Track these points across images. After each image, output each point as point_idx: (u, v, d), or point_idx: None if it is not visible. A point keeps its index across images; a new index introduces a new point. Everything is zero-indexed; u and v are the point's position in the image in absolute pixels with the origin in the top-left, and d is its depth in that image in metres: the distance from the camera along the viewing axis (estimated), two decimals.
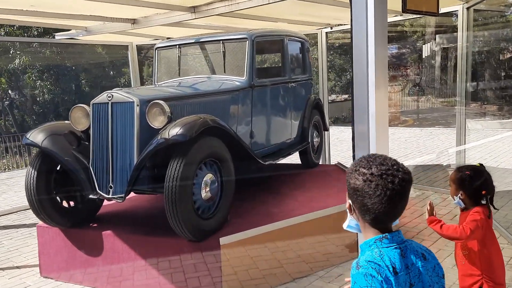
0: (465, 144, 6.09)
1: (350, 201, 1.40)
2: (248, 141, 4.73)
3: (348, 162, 8.51)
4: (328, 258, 4.10)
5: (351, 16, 2.13)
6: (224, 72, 4.84)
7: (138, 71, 8.10)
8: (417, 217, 5.27)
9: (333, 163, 7.07)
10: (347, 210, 1.43)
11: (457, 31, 6.30)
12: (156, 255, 3.71)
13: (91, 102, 3.81)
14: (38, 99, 13.12)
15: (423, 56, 22.10)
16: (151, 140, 3.49)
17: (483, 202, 2.47)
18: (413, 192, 6.34)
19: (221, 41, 4.83)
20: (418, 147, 10.13)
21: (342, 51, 19.55)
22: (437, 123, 15.35)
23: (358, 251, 1.50)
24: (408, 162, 8.69)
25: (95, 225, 4.14)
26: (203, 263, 3.65)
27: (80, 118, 3.90)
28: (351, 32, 2.15)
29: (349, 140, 11.61)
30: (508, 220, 5.00)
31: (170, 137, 3.39)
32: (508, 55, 18.37)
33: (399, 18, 6.58)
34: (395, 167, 1.32)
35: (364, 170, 1.32)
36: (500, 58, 17.84)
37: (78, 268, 4.01)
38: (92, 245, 3.95)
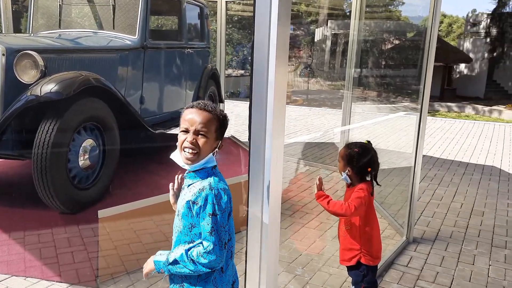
0: (349, 124, 6.42)
1: None
2: (137, 107, 4.37)
3: (241, 136, 8.52)
4: None
5: None
6: (113, 28, 4.38)
7: (12, 22, 7.04)
8: (303, 191, 5.43)
9: (227, 136, 6.97)
10: None
11: (347, 18, 6.53)
12: (21, 229, 3.26)
13: None
14: None
15: (316, 40, 23.05)
16: (19, 97, 2.99)
17: (368, 178, 2.54)
18: (302, 167, 6.54)
19: None
20: (306, 125, 10.54)
21: (241, 25, 19.46)
22: (324, 104, 16.18)
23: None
24: (297, 138, 8.99)
25: None
26: (79, 237, 3.31)
27: None
28: (254, 5, 2.00)
29: (243, 115, 11.65)
30: (382, 196, 5.40)
31: (42, 94, 2.94)
32: (389, 46, 19.99)
33: None
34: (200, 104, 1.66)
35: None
36: (382, 48, 19.33)
37: None
38: None
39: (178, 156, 1.68)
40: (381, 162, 7.18)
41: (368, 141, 2.55)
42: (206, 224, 1.58)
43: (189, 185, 1.69)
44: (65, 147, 3.00)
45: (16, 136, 3.17)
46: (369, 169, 2.44)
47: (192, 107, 1.66)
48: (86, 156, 3.23)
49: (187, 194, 1.67)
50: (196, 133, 1.62)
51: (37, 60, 3.10)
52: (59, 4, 4.45)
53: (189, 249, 1.61)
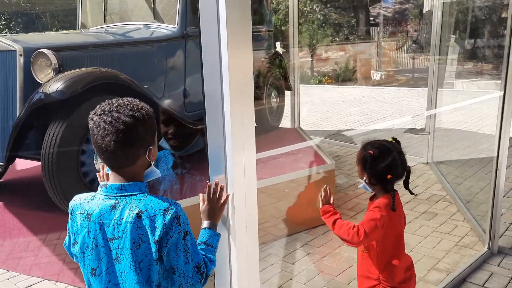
0: (435, 107, 5.51)
1: None
2: (181, 101, 4.14)
3: (317, 125, 7.94)
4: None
5: None
6: (154, 18, 4.19)
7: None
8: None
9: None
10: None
11: None
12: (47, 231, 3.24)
13: None
14: None
15: (424, 11, 21.01)
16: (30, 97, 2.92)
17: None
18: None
19: None
20: (400, 108, 9.53)
21: (339, 4, 18.51)
22: None
23: None
24: (385, 123, 8.14)
25: None
26: None
27: None
28: None
29: (317, 102, 10.93)
30: (472, 193, 4.50)
31: (50, 92, 2.82)
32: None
33: None
34: (117, 108, 1.30)
35: (91, 111, 1.33)
36: (501, 16, 16.84)
37: None
38: None
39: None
40: (480, 149, 5.96)
41: (394, 139, 1.95)
42: None
43: None
44: (75, 149, 2.85)
45: (38, 138, 3.12)
46: (389, 176, 1.84)
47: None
48: None
49: None
50: None
51: (51, 59, 3.00)
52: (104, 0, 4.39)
53: None
